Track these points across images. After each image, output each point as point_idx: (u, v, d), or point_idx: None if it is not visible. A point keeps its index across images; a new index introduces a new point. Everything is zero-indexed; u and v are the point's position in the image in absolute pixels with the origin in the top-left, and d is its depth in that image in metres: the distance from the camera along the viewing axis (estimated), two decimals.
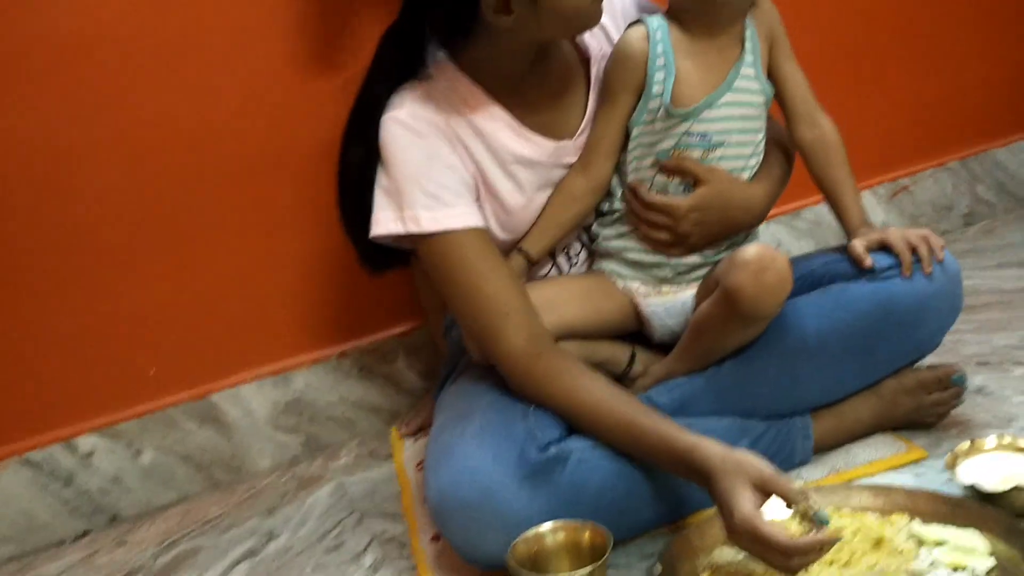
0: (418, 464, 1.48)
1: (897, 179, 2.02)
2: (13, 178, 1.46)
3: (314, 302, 1.66)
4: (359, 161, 1.21)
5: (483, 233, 1.19)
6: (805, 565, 0.93)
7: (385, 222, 1.18)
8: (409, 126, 1.17)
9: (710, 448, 1.01)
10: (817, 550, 0.92)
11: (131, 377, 1.57)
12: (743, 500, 0.94)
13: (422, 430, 1.58)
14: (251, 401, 1.62)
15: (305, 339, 1.66)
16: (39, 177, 1.48)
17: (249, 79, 1.55)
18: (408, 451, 1.55)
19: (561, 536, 1.05)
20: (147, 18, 1.48)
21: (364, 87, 1.24)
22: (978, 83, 2.06)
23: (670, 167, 1.23)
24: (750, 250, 1.15)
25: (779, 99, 1.27)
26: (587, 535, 1.04)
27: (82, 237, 1.51)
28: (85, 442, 1.54)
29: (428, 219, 1.16)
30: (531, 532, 1.04)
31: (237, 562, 1.35)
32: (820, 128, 1.26)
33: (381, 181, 1.19)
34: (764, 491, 0.95)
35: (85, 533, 1.55)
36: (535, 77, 1.24)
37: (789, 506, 0.96)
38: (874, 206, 1.99)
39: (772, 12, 1.25)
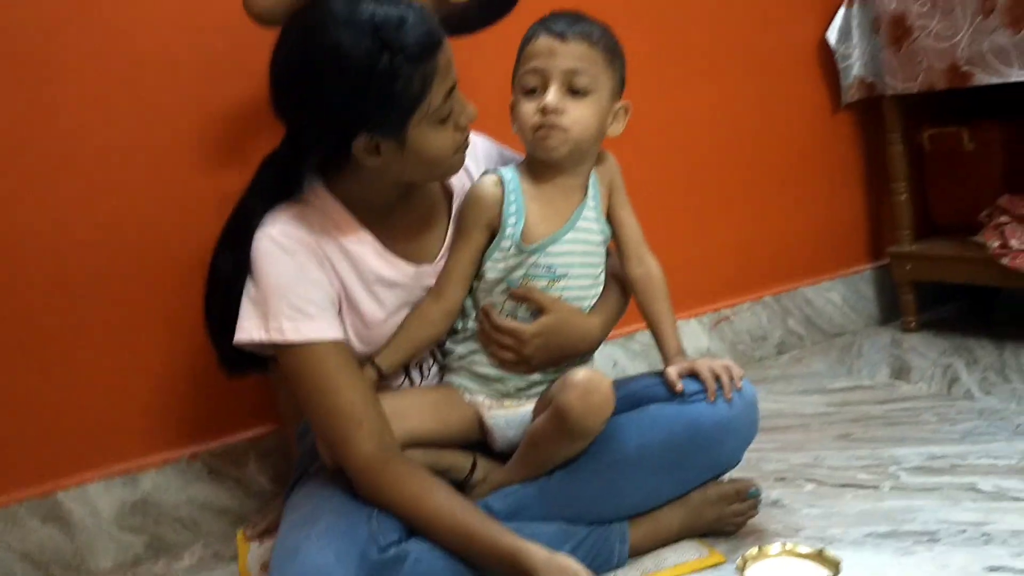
0: (263, 565, 1.52)
1: (719, 310, 2.24)
2: None
3: (166, 403, 1.70)
4: (228, 268, 1.29)
5: (342, 346, 1.28)
6: None
7: (250, 329, 1.26)
8: (280, 243, 1.26)
9: (535, 552, 1.14)
10: None
11: None
12: None
13: (269, 532, 1.62)
14: (97, 500, 1.63)
15: (155, 439, 1.69)
16: None
17: (124, 189, 1.63)
18: (253, 553, 1.58)
19: None
20: (26, 125, 1.55)
21: (241, 202, 1.32)
22: (790, 230, 2.33)
23: (518, 295, 1.37)
24: (579, 373, 1.28)
25: (615, 239, 1.44)
26: None
27: None
28: None
29: (291, 329, 1.25)
30: None
31: None
32: (647, 267, 1.43)
33: (249, 291, 1.27)
34: None
35: None
36: (401, 208, 1.36)
37: None
38: (699, 333, 2.20)
39: (614, 166, 1.43)
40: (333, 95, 1.19)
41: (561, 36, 1.31)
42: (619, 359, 2.12)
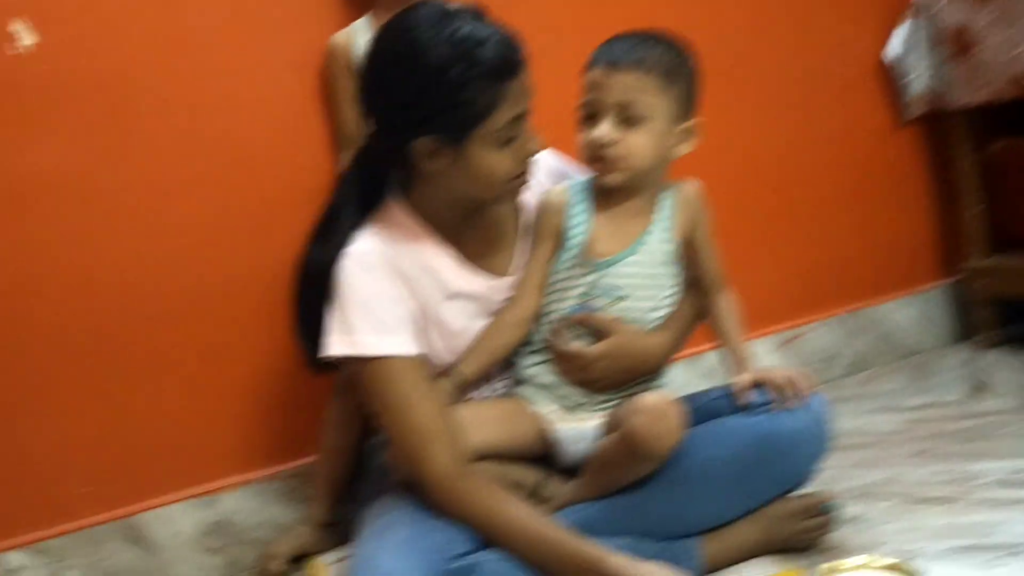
0: None
1: (789, 329, 2.21)
2: None
3: (243, 426, 1.74)
4: (317, 266, 1.34)
5: (418, 361, 1.32)
6: None
7: (334, 344, 1.31)
8: (363, 262, 1.32)
9: (618, 560, 1.15)
10: None
11: (60, 495, 1.61)
12: None
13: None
14: (178, 522, 1.67)
15: (235, 461, 1.73)
16: None
17: (202, 209, 1.69)
18: (330, 573, 1.60)
19: None
20: (93, 159, 1.62)
21: (329, 201, 1.40)
22: (858, 247, 2.30)
23: (578, 321, 1.38)
24: (649, 398, 1.28)
25: (693, 268, 1.43)
26: None
27: (14, 362, 1.58)
28: (11, 558, 1.56)
29: (373, 344, 1.29)
30: None
31: None
32: (721, 298, 1.43)
33: (333, 308, 1.32)
34: None
35: None
36: (475, 222, 1.40)
37: None
38: (768, 353, 2.18)
39: (696, 195, 1.43)
40: (403, 90, 1.26)
41: (614, 66, 1.32)
42: (687, 380, 2.10)
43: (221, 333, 1.71)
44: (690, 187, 1.43)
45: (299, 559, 1.63)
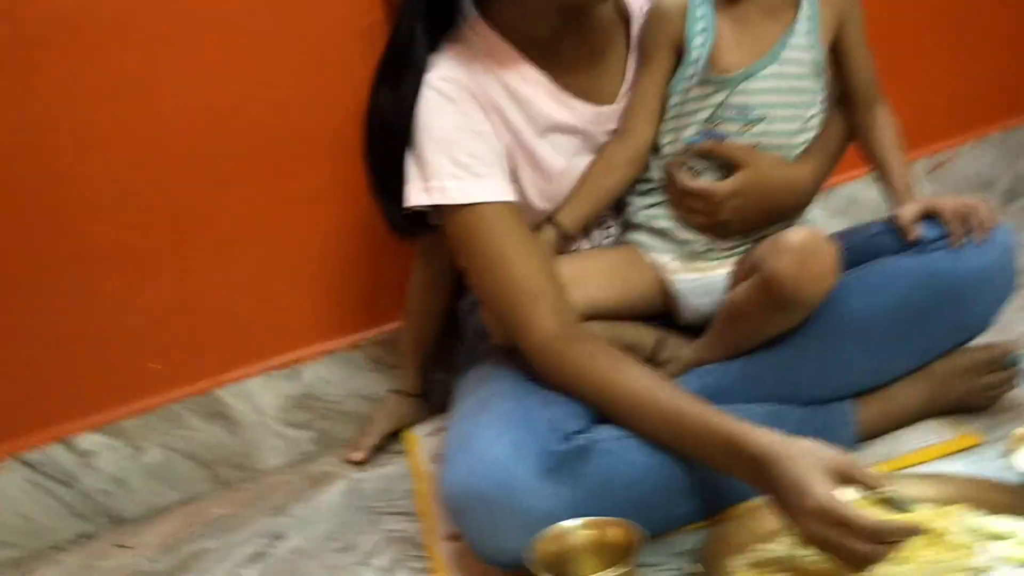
0: (433, 457, 1.41)
1: (936, 153, 1.94)
2: (10, 172, 1.41)
3: (324, 292, 1.60)
4: (389, 107, 1.16)
5: (514, 207, 1.14)
6: (886, 554, 0.84)
7: (412, 192, 1.14)
8: (441, 90, 1.14)
9: (768, 436, 0.92)
10: (904, 535, 0.83)
11: (133, 373, 1.51)
12: (818, 483, 0.86)
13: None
14: (259, 396, 1.56)
15: (315, 330, 1.60)
16: (37, 171, 1.42)
17: (254, 58, 1.48)
18: (424, 446, 1.48)
19: (587, 534, 0.96)
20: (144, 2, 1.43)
21: (396, 29, 1.18)
22: (1017, 55, 1.98)
23: (704, 151, 1.16)
24: (796, 234, 1.07)
25: (843, 80, 1.22)
26: (615, 532, 0.95)
27: (81, 232, 1.46)
28: (85, 440, 1.48)
29: (456, 189, 1.11)
30: (554, 529, 0.96)
31: (245, 564, 1.29)
32: (875, 115, 1.23)
33: (412, 148, 1.14)
34: (839, 477, 0.87)
35: (87, 536, 1.48)
36: (571, 38, 1.18)
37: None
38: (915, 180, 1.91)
39: None
40: None
41: None
42: (815, 218, 1.85)
43: (295, 191, 1.55)
44: None
45: (395, 433, 1.54)
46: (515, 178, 1.18)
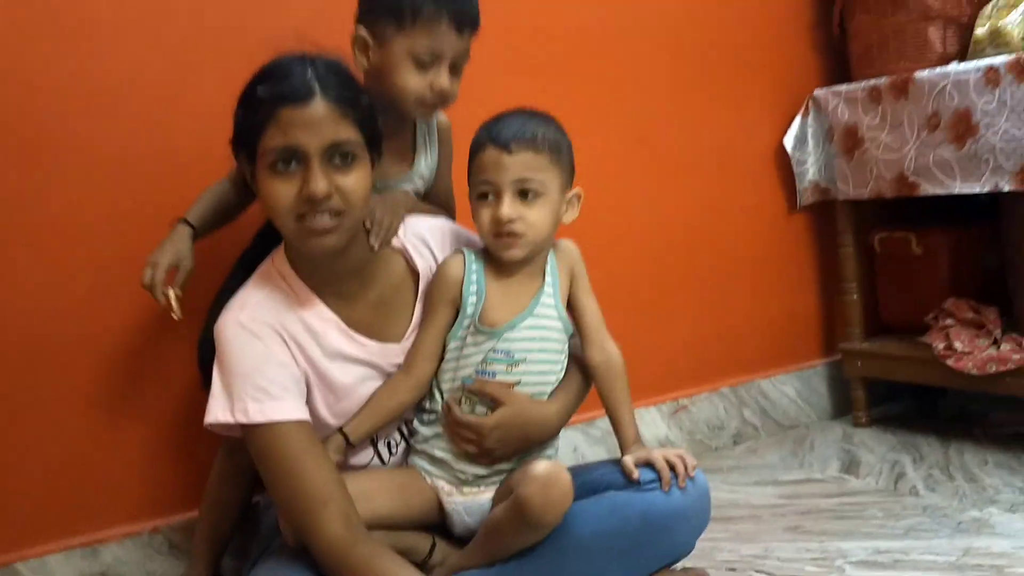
0: None
1: (678, 399, 2.30)
2: None
3: (129, 477, 1.70)
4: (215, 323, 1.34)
5: (307, 426, 1.33)
6: None
7: (216, 411, 1.31)
8: (247, 327, 1.33)
9: None
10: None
11: None
12: None
13: None
14: (57, 572, 1.62)
15: (117, 513, 1.69)
16: None
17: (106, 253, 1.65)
18: None
19: None
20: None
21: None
22: (747, 324, 2.42)
23: (473, 390, 1.42)
24: (540, 467, 1.31)
25: (576, 325, 1.49)
26: None
27: None
28: None
29: (256, 411, 1.29)
30: None
31: None
32: (607, 353, 1.48)
33: (217, 374, 1.32)
34: None
35: None
36: (362, 287, 1.42)
37: None
38: (658, 421, 2.26)
39: (574, 253, 1.50)
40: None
41: (506, 148, 1.37)
42: (579, 445, 2.16)
43: (103, 378, 1.68)
44: (566, 244, 1.50)
45: None
46: (309, 398, 1.36)
